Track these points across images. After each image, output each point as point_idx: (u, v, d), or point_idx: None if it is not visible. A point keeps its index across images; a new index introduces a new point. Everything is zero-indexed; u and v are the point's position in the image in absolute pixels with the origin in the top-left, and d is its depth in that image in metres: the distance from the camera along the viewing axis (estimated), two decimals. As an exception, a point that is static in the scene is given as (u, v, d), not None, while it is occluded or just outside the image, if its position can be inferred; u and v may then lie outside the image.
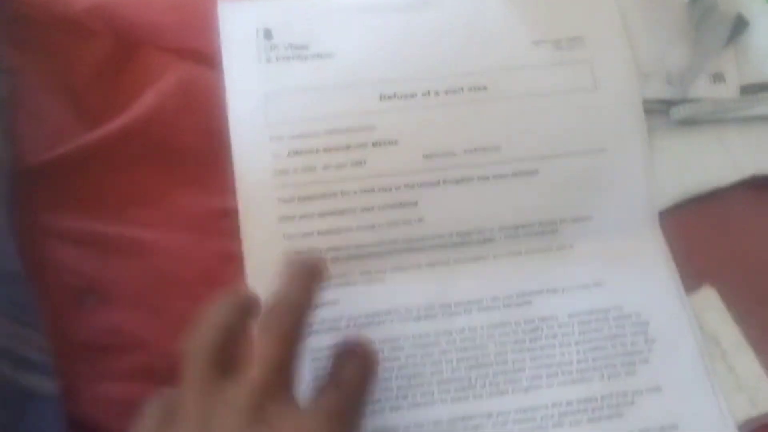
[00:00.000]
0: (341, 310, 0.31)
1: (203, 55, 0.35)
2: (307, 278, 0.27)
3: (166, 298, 0.32)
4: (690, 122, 0.35)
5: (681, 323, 0.32)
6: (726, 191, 0.34)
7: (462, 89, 0.33)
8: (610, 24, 0.35)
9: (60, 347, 0.29)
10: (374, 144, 0.32)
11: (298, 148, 0.32)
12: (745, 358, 0.32)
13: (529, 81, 0.34)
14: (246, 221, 0.31)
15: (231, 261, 0.32)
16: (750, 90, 0.36)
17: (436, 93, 0.33)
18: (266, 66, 0.33)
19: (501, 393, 0.30)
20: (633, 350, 0.31)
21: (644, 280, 0.32)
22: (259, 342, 0.24)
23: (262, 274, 0.31)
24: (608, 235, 0.33)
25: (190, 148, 0.34)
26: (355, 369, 0.26)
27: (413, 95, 0.33)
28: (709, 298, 0.33)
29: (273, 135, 0.32)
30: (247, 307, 0.26)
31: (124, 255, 0.32)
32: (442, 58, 0.34)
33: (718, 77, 0.36)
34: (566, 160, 0.33)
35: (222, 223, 0.33)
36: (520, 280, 0.32)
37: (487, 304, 0.31)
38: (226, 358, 0.24)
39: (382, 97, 0.33)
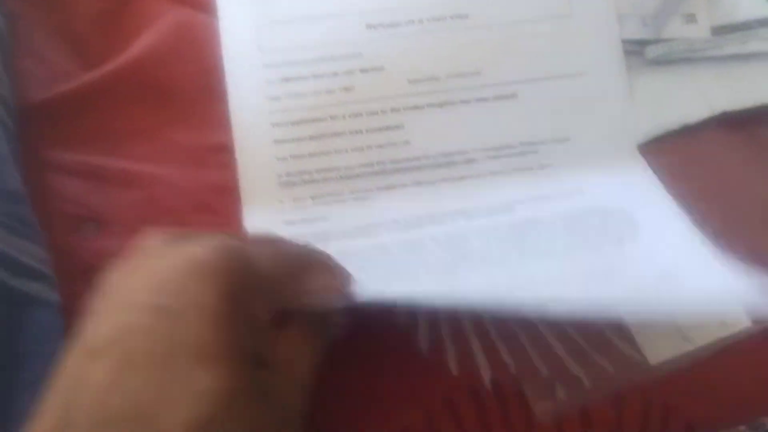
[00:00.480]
0: (331, 225, 0.32)
1: (197, 1, 0.36)
2: None
3: (161, 226, 0.32)
4: (663, 61, 0.37)
5: (667, 211, 0.32)
6: (698, 126, 0.36)
7: (444, 17, 0.35)
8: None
9: (60, 270, 0.30)
10: (361, 70, 0.34)
11: (290, 74, 0.33)
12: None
13: (508, 9, 0.35)
14: (241, 146, 0.33)
15: (223, 192, 0.33)
16: (720, 31, 0.37)
17: (420, 21, 0.35)
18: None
19: (490, 275, 0.31)
20: (621, 236, 0.32)
21: (626, 184, 0.33)
22: None
23: (257, 195, 0.32)
24: (587, 155, 0.34)
25: (184, 87, 0.35)
26: None
27: (398, 24, 0.34)
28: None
29: (266, 62, 0.33)
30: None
31: (121, 186, 0.33)
32: None
33: (690, 18, 0.37)
34: (544, 84, 0.34)
35: (214, 157, 0.34)
36: (503, 194, 0.33)
37: (472, 213, 0.33)
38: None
39: (368, 26, 0.34)
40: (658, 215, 0.32)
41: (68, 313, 0.29)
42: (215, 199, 0.33)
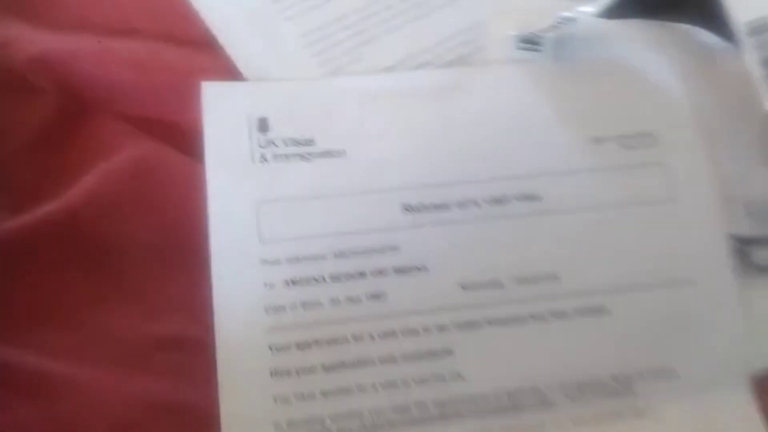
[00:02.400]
0: None
1: (170, 129, 0.32)
2: None
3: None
4: (774, 268, 0.31)
5: None
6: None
7: (508, 199, 0.30)
8: (683, 119, 0.32)
9: None
10: (397, 270, 0.29)
11: (298, 275, 0.28)
12: None
13: (592, 189, 0.30)
14: (224, 376, 0.27)
15: (157, 410, 0.27)
16: None
17: (476, 204, 0.30)
18: (260, 167, 0.30)
19: None
20: None
21: None
22: None
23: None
24: (699, 396, 0.29)
25: (133, 252, 0.30)
26: None
27: (446, 206, 0.30)
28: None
29: (265, 258, 0.28)
30: None
31: (23, 393, 0.27)
32: (480, 159, 0.31)
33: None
34: (643, 295, 0.29)
35: (157, 357, 0.29)
36: None
37: None
38: None
39: (405, 209, 0.30)
40: None
41: None
42: (144, 421, 0.27)
